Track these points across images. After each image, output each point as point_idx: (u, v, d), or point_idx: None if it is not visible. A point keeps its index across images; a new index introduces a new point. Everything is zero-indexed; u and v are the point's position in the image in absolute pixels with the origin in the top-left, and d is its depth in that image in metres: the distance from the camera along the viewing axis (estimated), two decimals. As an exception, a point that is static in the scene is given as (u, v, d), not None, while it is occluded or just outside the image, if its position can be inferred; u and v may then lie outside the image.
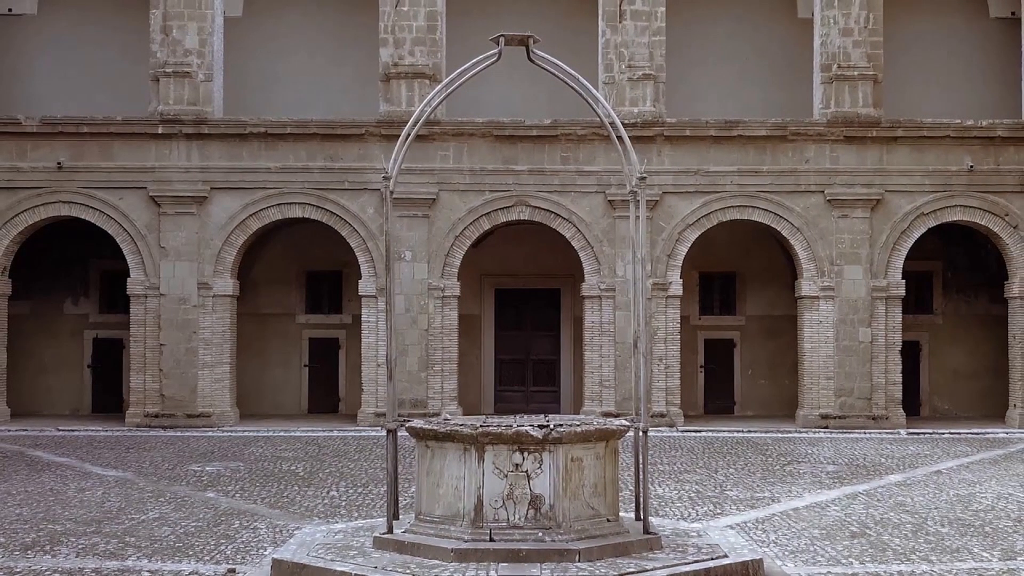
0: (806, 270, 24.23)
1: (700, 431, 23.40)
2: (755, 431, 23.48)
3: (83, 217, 24.08)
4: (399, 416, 12.84)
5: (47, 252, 25.99)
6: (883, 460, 18.90)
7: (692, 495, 15.04)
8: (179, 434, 22.56)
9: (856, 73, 24.09)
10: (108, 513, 13.41)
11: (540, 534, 9.69)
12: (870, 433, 23.16)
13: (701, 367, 27.03)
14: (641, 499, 10.73)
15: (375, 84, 24.44)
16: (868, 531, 12.47)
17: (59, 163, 23.89)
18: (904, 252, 24.27)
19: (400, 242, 23.64)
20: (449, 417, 12.62)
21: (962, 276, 27.12)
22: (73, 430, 23.18)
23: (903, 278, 24.25)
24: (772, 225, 24.34)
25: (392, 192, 10.90)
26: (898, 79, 25.62)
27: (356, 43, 25.59)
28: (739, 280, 27.19)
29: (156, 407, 23.82)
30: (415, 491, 10.61)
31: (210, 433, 22.83)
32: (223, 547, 11.48)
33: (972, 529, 12.58)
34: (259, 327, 26.45)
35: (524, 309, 27.26)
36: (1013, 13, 25.81)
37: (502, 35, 10.71)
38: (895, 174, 24.23)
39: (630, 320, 23.05)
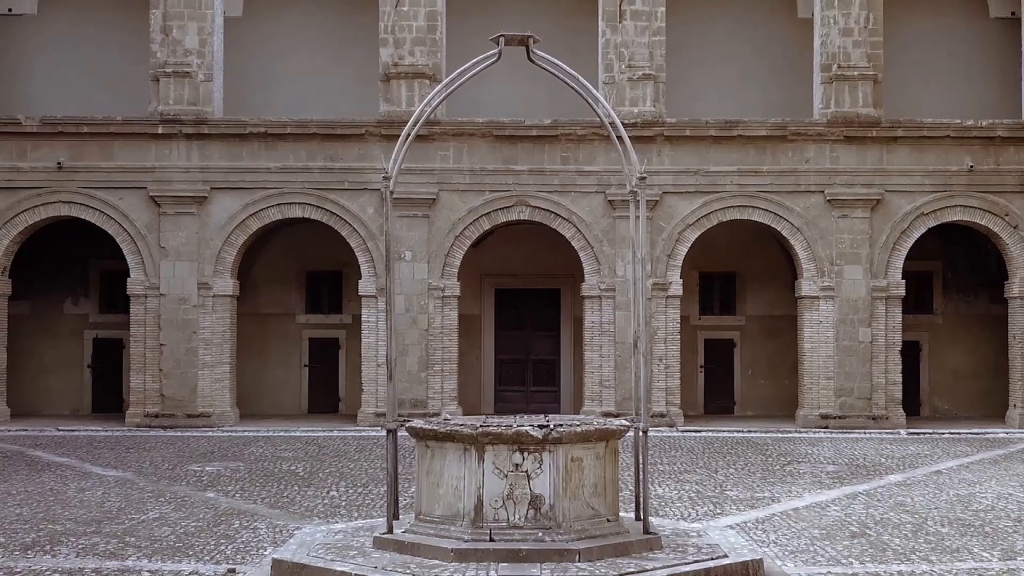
0: (806, 270, 24.23)
1: (700, 431, 23.40)
2: (755, 431, 23.48)
3: (83, 217, 24.09)
4: (399, 416, 12.85)
5: (47, 252, 25.99)
6: (883, 460, 18.90)
7: (692, 495, 15.04)
8: (179, 434, 22.56)
9: (856, 73, 24.09)
10: (108, 513, 13.41)
11: (540, 534, 9.69)
12: (870, 433, 23.16)
13: (701, 367, 27.03)
14: (641, 499, 10.73)
15: (375, 84, 24.44)
16: (868, 531, 12.47)
17: (59, 163, 23.89)
18: (904, 252, 24.27)
19: (400, 242, 23.64)
20: (449, 417, 12.62)
21: (962, 276, 27.12)
22: (73, 430, 23.18)
23: (903, 278, 24.25)
24: (772, 225, 24.34)
25: (392, 192, 10.90)
26: (898, 79, 25.62)
27: (356, 43, 25.59)
28: (739, 280, 27.19)
29: (156, 407, 23.82)
30: (415, 491, 10.61)
31: (210, 433, 22.83)
32: (223, 547, 11.48)
33: (972, 529, 12.58)
34: (259, 327, 26.45)
35: (524, 309, 27.25)
36: (1013, 13, 25.82)
37: (502, 35, 10.71)
38: (895, 174, 24.23)
39: (630, 320, 23.05)
